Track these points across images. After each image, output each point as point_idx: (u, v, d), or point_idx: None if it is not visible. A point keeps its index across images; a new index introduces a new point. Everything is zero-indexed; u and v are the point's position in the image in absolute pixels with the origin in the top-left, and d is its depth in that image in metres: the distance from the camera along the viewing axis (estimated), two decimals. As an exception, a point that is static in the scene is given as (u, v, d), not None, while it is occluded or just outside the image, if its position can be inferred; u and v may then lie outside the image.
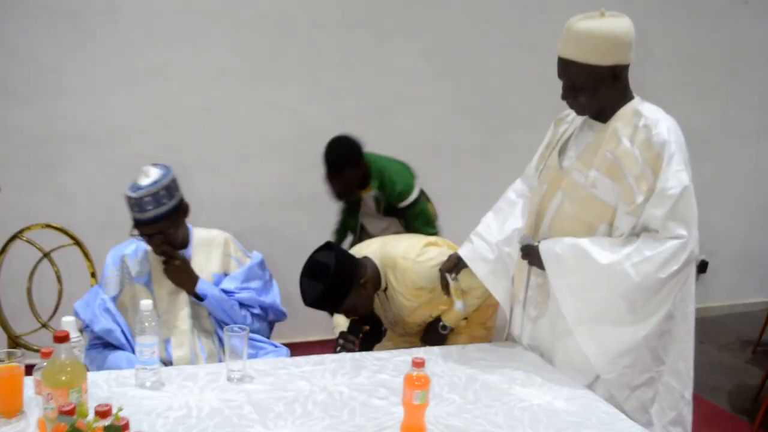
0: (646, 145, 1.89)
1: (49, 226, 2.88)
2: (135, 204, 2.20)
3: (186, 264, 2.31)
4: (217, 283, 2.36)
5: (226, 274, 2.41)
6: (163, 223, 2.23)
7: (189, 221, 2.44)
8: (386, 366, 2.04)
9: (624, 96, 1.98)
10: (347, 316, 2.49)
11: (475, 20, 4.16)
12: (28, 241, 2.86)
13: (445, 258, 2.29)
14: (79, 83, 3.62)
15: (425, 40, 4.09)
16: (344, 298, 2.30)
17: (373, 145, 4.06)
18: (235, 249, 2.48)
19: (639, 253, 1.87)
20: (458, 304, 2.27)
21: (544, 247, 2.04)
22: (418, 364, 1.57)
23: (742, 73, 4.93)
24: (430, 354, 2.15)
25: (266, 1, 3.82)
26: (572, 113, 2.11)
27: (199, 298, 2.30)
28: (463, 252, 2.25)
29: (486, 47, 4.22)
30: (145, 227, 2.23)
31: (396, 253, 2.39)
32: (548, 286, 2.08)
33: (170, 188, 2.24)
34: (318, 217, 3.97)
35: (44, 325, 2.85)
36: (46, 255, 2.87)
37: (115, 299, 2.32)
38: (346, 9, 3.94)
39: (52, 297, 2.92)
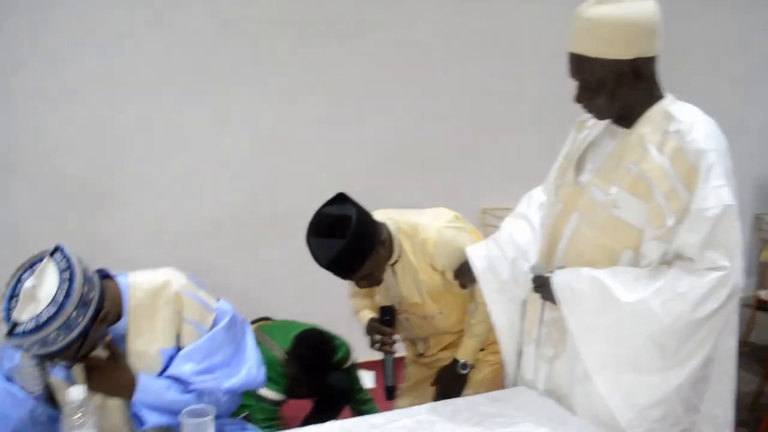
0: (678, 155, 1.56)
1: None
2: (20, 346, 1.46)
3: (112, 366, 1.61)
4: (168, 363, 1.69)
5: (179, 345, 1.73)
6: (75, 348, 1.51)
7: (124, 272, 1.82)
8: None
9: (651, 95, 1.66)
10: (360, 285, 2.10)
11: (446, 15, 3.84)
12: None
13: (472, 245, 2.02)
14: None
15: (391, 39, 3.75)
16: (367, 256, 1.95)
17: (340, 152, 3.73)
18: (191, 306, 1.73)
19: (670, 288, 1.56)
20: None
21: (558, 280, 1.73)
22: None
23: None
24: (435, 414, 1.78)
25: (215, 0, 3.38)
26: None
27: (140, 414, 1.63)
28: (475, 259, 1.96)
29: (459, 44, 3.91)
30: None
31: (417, 220, 2.09)
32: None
33: (81, 306, 1.47)
34: (283, 240, 3.61)
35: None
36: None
37: (42, 401, 1.66)
38: (303, 6, 3.55)
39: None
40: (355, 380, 2.80)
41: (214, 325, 1.76)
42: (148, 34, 3.30)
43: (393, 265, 2.13)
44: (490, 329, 2.13)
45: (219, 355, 1.74)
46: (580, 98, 1.68)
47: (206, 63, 3.41)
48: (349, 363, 2.74)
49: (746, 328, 4.30)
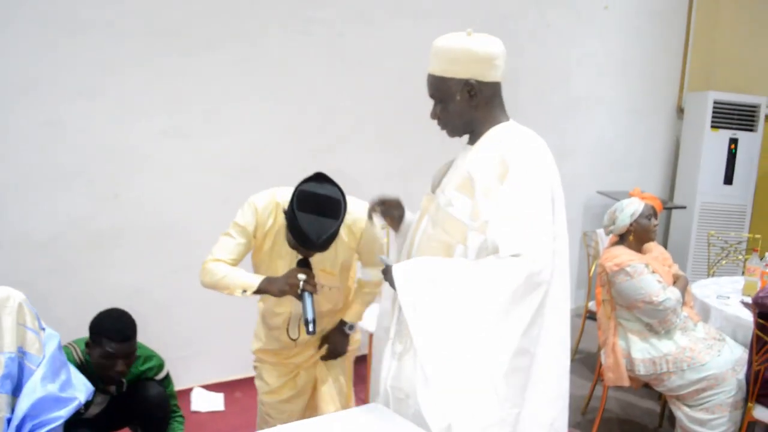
0: (499, 160, 1.75)
1: None
2: None
3: None
4: (12, 366, 1.79)
5: (22, 351, 1.85)
6: None
7: None
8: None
9: (492, 118, 1.86)
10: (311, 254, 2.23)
11: (294, 33, 3.81)
12: None
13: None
14: None
15: (240, 52, 3.65)
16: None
17: (185, 167, 3.58)
18: (31, 318, 1.91)
19: (480, 270, 1.69)
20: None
21: (397, 266, 1.83)
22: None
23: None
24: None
25: (52, 1, 3.12)
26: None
27: None
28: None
29: (306, 61, 3.89)
30: None
31: (349, 199, 2.21)
32: None
33: None
34: (119, 255, 3.41)
35: None
36: None
37: None
38: (151, 12, 3.35)
39: None
40: (173, 395, 2.74)
41: (43, 343, 1.92)
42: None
43: None
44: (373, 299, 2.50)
45: (62, 374, 1.93)
46: (432, 114, 1.89)
47: (37, 68, 3.14)
48: (162, 375, 2.68)
49: (577, 336, 4.63)
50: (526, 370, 1.75)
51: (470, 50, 1.78)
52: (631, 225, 3.19)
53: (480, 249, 1.73)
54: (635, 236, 3.20)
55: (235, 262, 2.28)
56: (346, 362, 2.63)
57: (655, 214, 3.21)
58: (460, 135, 1.92)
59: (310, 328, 2.12)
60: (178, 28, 3.44)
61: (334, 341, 2.52)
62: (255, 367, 2.59)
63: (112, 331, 2.37)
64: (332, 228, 2.07)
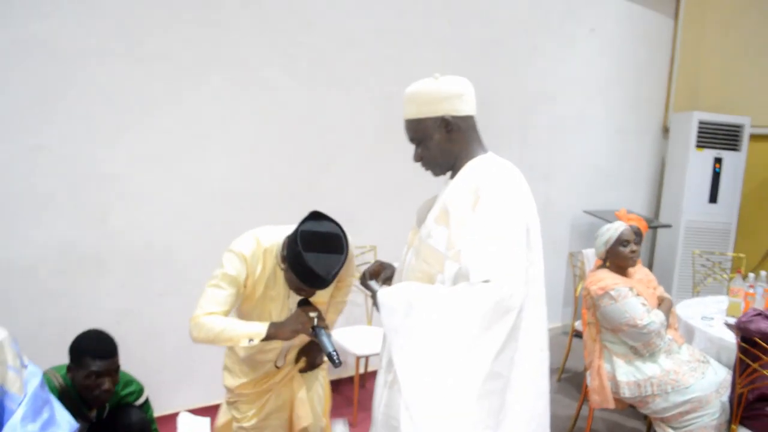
0: (472, 190, 1.79)
1: None
2: None
3: None
4: None
5: (3, 390, 1.80)
6: None
7: None
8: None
9: (470, 151, 1.93)
10: (308, 292, 2.30)
11: (281, 54, 3.84)
12: None
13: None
14: None
15: (229, 76, 3.67)
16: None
17: (173, 191, 3.60)
18: (13, 355, 1.85)
19: (452, 295, 1.71)
20: None
21: (382, 291, 1.88)
22: None
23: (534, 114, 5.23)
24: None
25: (39, 26, 3.12)
26: None
27: None
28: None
29: (295, 84, 3.92)
30: None
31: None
32: None
33: None
34: (105, 280, 3.40)
35: None
36: None
37: None
38: (138, 38, 3.36)
39: None
40: (152, 420, 2.74)
41: (25, 381, 1.87)
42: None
43: None
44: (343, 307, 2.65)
45: (45, 413, 1.87)
46: (416, 156, 1.96)
47: (26, 92, 3.13)
48: (142, 400, 2.67)
49: (564, 354, 4.64)
50: (500, 393, 1.76)
51: (440, 90, 1.88)
52: (606, 252, 3.24)
53: (456, 277, 1.76)
54: (611, 262, 3.25)
55: (227, 314, 2.26)
56: (322, 372, 2.69)
57: (635, 239, 3.23)
58: (444, 173, 1.96)
59: (336, 362, 2.16)
60: (166, 52, 3.45)
61: (311, 353, 2.57)
62: (231, 403, 2.55)
63: (95, 350, 2.36)
64: (339, 263, 2.14)
